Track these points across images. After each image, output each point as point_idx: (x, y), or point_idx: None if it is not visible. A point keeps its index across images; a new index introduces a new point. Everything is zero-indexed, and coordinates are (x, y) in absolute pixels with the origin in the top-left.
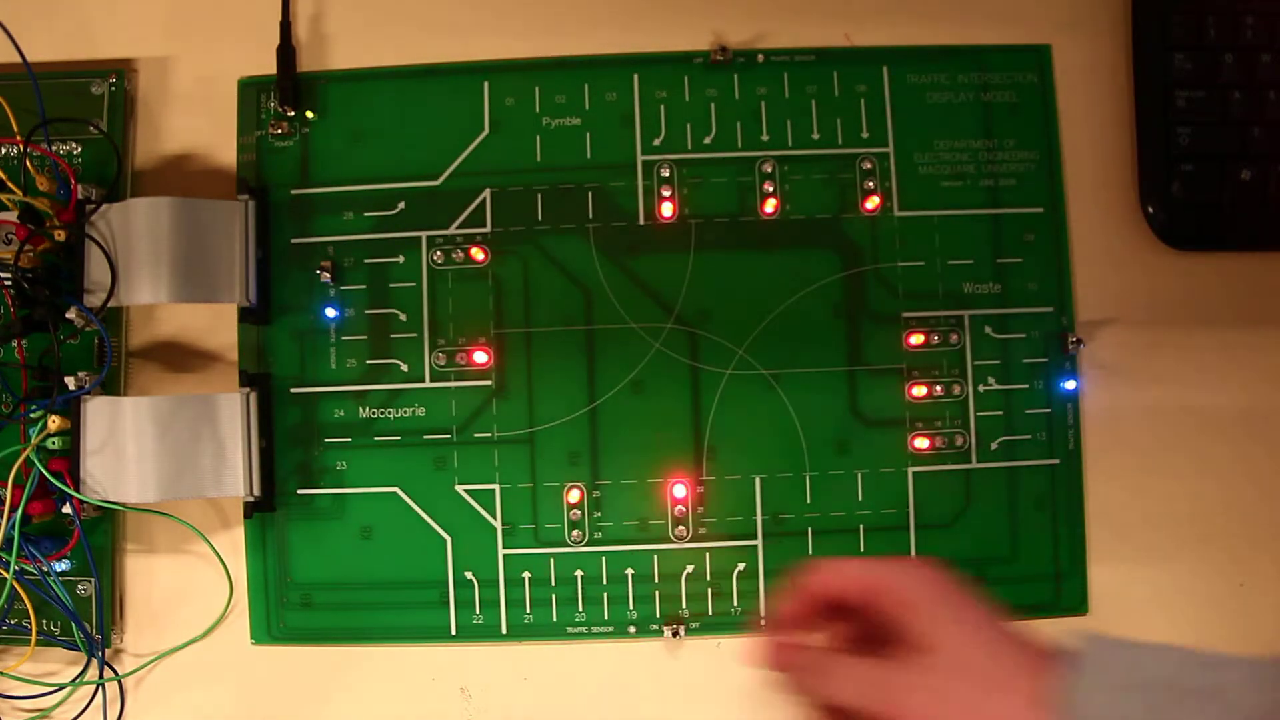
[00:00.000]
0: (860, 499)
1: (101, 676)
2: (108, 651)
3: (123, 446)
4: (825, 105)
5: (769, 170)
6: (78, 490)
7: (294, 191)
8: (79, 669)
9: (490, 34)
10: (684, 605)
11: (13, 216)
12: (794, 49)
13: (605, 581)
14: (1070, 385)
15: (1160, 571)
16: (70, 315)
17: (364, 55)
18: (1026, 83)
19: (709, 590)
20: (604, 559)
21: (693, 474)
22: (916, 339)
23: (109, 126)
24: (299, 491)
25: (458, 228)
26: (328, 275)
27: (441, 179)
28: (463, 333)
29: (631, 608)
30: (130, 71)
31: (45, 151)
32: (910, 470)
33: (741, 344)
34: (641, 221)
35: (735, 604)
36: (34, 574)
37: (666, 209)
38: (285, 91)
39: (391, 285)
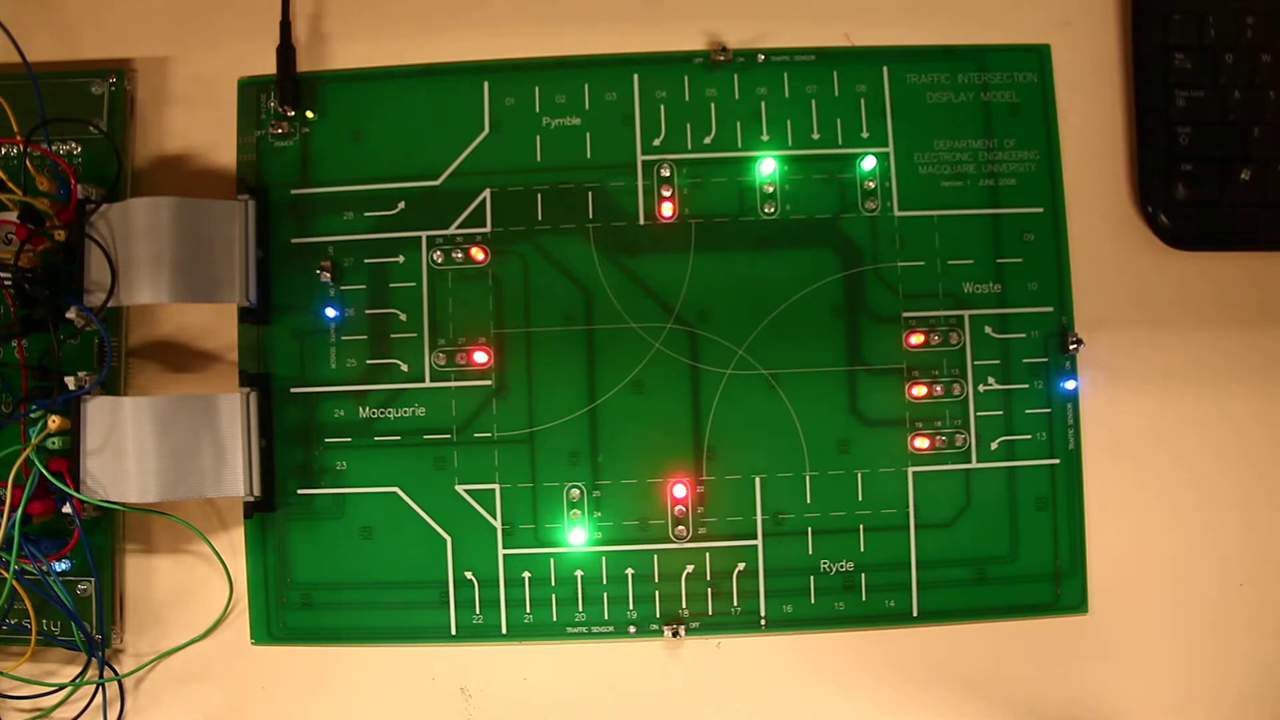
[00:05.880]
0: (860, 499)
1: (101, 676)
2: (108, 651)
3: (123, 446)
4: (825, 105)
5: (768, 170)
6: (78, 490)
7: (294, 191)
8: (79, 669)
9: (490, 34)
10: (684, 605)
11: (13, 216)
12: (794, 49)
13: (605, 581)
14: (1070, 385)
15: (1160, 571)
16: (70, 315)
17: (364, 55)
18: (1026, 83)
19: (709, 590)
20: (604, 559)
21: (693, 474)
22: (916, 339)
23: (109, 126)
24: (299, 491)
25: (458, 228)
26: (328, 275)
27: (441, 179)
28: (463, 333)
29: (631, 608)
30: (130, 71)
31: (45, 151)
32: (910, 470)
33: (741, 344)
34: (641, 221)
35: (735, 604)
36: (34, 574)
37: (666, 209)
38: (285, 91)
39: (391, 285)
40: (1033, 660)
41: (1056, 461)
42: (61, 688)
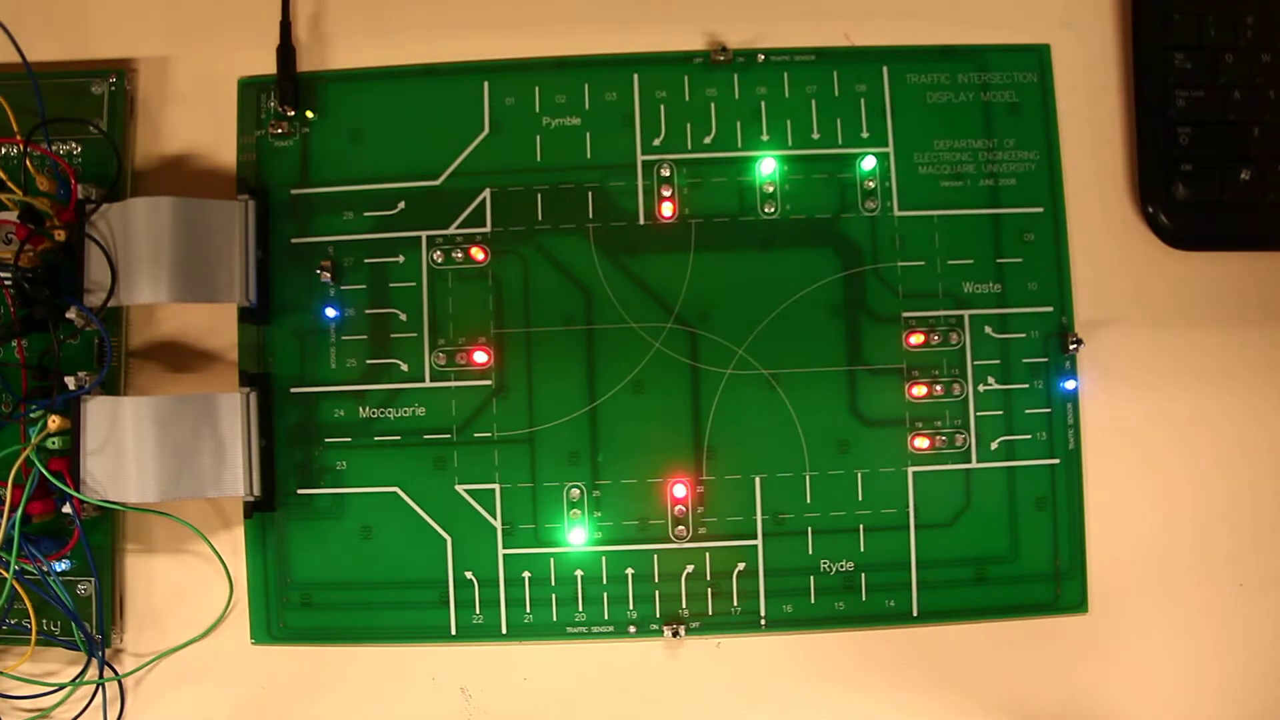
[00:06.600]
0: (860, 499)
1: (101, 676)
2: (108, 651)
3: (123, 446)
4: (825, 105)
5: (768, 170)
6: (78, 490)
7: (294, 191)
8: (79, 669)
9: (490, 34)
10: (684, 605)
11: (13, 216)
12: (794, 49)
13: (605, 581)
14: (1070, 385)
15: (1160, 571)
16: (70, 315)
17: (364, 55)
18: (1026, 83)
19: (709, 590)
20: (604, 559)
21: (693, 474)
22: (916, 339)
23: (109, 126)
24: (299, 491)
25: (458, 228)
26: (328, 275)
27: (441, 179)
28: (463, 333)
29: (631, 608)
30: (130, 71)
31: (45, 151)
32: (910, 470)
33: (741, 344)
34: (641, 221)
35: (735, 604)
36: (34, 574)
37: (666, 209)
38: (285, 91)
39: (391, 285)
40: (1033, 660)
41: (1056, 461)
42: (61, 688)
